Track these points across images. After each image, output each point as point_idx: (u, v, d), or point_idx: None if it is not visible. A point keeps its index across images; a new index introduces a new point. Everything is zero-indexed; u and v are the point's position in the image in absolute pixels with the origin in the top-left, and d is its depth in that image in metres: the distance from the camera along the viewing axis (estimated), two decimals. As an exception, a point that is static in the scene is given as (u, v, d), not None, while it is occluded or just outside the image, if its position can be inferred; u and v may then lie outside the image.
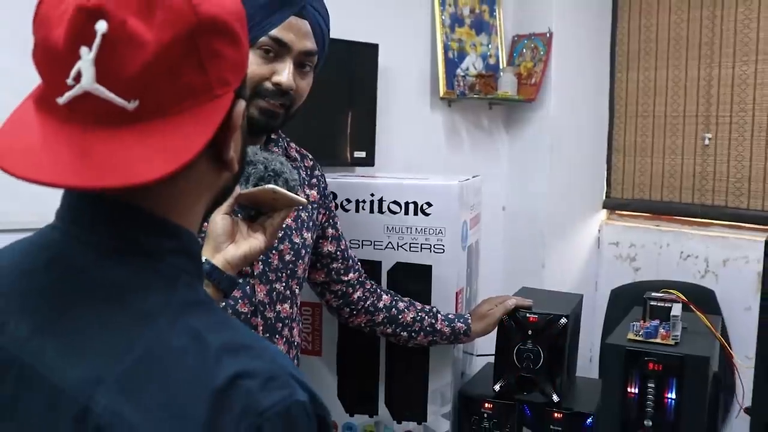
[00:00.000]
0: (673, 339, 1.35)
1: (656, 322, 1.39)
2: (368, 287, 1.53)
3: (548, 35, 3.09)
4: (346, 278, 1.49)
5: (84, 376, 0.57)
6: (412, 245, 1.63)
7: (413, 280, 1.63)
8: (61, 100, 0.57)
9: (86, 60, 0.56)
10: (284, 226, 1.31)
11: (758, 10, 2.77)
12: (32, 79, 0.64)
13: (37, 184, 0.56)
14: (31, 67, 0.61)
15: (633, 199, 3.29)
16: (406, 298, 1.56)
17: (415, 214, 1.62)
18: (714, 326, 1.47)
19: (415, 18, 2.95)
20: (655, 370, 1.31)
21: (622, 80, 3.29)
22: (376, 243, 1.66)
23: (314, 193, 1.43)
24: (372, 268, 1.65)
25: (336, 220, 1.50)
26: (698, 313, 1.46)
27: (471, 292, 1.79)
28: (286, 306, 1.32)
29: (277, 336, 1.30)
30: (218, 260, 1.01)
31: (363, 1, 2.77)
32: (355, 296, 1.51)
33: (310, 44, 1.26)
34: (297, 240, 1.34)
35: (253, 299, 1.26)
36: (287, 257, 1.31)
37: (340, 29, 2.65)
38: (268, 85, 1.23)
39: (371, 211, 1.66)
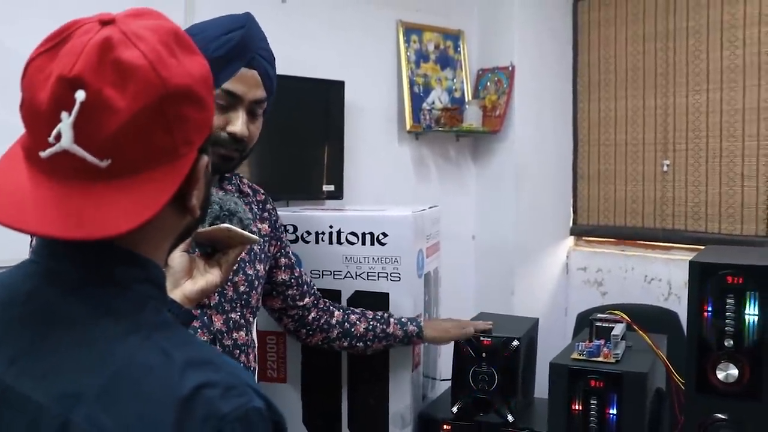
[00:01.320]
0: (614, 357, 1.42)
1: (600, 342, 1.46)
2: (321, 306, 1.61)
3: (510, 68, 3.20)
4: (301, 303, 1.57)
5: (64, 392, 0.64)
6: (369, 274, 1.70)
7: (372, 307, 1.69)
8: (44, 155, 0.65)
9: (66, 123, 0.63)
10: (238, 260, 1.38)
11: (707, 41, 2.90)
12: None
13: (21, 232, 0.64)
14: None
15: (599, 225, 3.39)
16: (358, 309, 1.64)
17: (372, 244, 1.69)
18: (658, 345, 1.54)
19: (380, 55, 3.06)
20: (596, 387, 1.38)
21: (584, 110, 3.40)
22: (335, 273, 1.73)
23: (266, 226, 1.50)
24: (332, 296, 1.71)
25: (288, 249, 1.57)
26: (640, 332, 1.53)
27: (430, 317, 1.86)
28: (242, 333, 1.38)
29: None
30: (176, 295, 1.07)
31: (330, 39, 2.88)
32: (310, 317, 1.59)
33: (260, 93, 1.34)
34: (250, 272, 1.41)
35: (212, 328, 1.32)
36: (241, 288, 1.38)
37: (308, 67, 2.76)
38: (223, 134, 1.32)
39: (330, 242, 1.72)
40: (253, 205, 1.48)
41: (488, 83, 3.30)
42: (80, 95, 0.63)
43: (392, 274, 1.68)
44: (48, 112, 0.64)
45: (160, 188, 0.68)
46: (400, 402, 1.69)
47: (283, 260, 1.54)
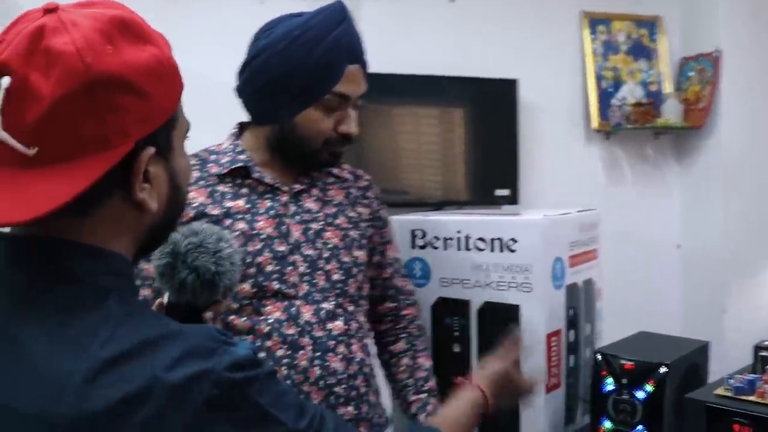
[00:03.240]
0: (775, 396, 1.13)
1: (758, 377, 1.17)
2: (399, 325, 1.51)
3: (716, 55, 2.80)
4: (379, 307, 1.50)
5: (38, 393, 0.62)
6: (499, 284, 1.55)
7: (501, 320, 1.54)
8: None
9: None
10: (331, 245, 1.34)
11: None
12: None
13: None
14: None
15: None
16: (419, 361, 1.49)
17: (501, 251, 1.54)
18: None
19: (559, 49, 2.84)
20: (745, 432, 1.10)
21: (814, 98, 2.87)
22: (464, 281, 1.60)
23: (366, 210, 1.44)
24: (461, 307, 1.59)
25: (385, 247, 1.49)
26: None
27: (581, 334, 1.64)
28: (339, 323, 1.31)
29: (330, 353, 1.30)
30: None
31: (502, 37, 2.74)
32: (381, 327, 1.52)
33: (364, 86, 1.32)
34: (346, 259, 1.35)
35: (299, 320, 1.28)
36: (335, 276, 1.33)
37: (479, 67, 2.65)
38: (334, 135, 1.30)
39: (458, 248, 1.60)
40: (352, 190, 1.44)
41: (691, 73, 2.92)
42: (5, 81, 0.62)
43: (523, 285, 1.51)
44: None
45: (79, 177, 0.64)
46: (532, 428, 1.51)
47: (376, 257, 1.47)
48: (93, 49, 0.64)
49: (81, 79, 0.63)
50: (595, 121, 2.84)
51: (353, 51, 1.29)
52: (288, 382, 1.27)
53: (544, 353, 1.49)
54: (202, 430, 0.63)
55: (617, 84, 2.89)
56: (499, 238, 1.54)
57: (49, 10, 0.65)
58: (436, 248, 1.64)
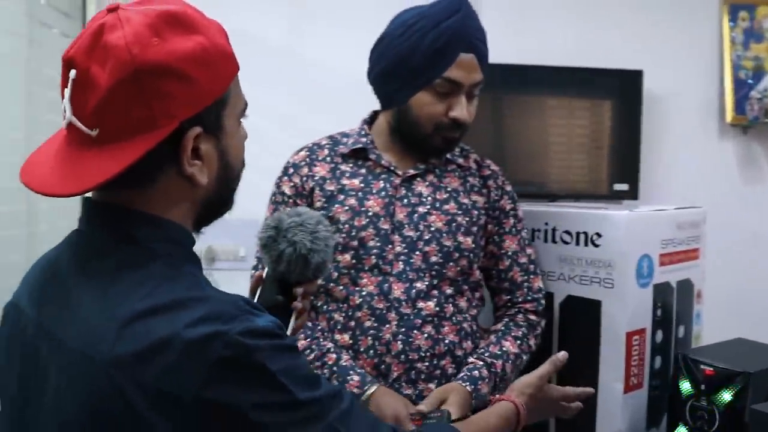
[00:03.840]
0: None
1: None
2: (509, 313, 1.50)
3: None
4: (496, 298, 1.53)
5: (88, 335, 0.73)
6: (582, 278, 1.53)
7: (583, 315, 1.52)
8: (63, 125, 0.78)
9: (66, 98, 0.75)
10: (433, 228, 1.39)
11: None
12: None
13: (32, 191, 0.77)
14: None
15: None
16: (503, 341, 1.46)
17: (586, 244, 1.52)
18: None
19: (693, 38, 2.68)
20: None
21: None
22: (549, 273, 1.59)
23: (481, 199, 1.47)
24: (546, 299, 1.59)
25: (504, 238, 1.50)
26: None
27: (672, 336, 1.58)
28: (430, 304, 1.37)
29: (416, 331, 1.36)
30: None
31: (628, 25, 2.63)
32: (497, 315, 1.54)
33: (478, 76, 1.36)
34: (448, 243, 1.39)
35: (389, 296, 1.35)
36: (433, 258, 1.38)
37: (600, 57, 2.56)
38: (445, 119, 1.36)
39: (545, 240, 1.60)
40: (470, 178, 1.49)
41: None
42: (72, 74, 0.73)
43: (605, 280, 1.49)
44: (62, 90, 0.76)
45: (131, 152, 0.73)
46: (608, 428, 1.48)
47: (490, 247, 1.49)
48: (139, 42, 0.73)
49: (128, 68, 0.72)
50: (729, 115, 2.66)
51: (467, 40, 1.34)
52: (371, 351, 1.35)
53: (624, 352, 1.46)
54: (211, 386, 0.69)
55: (758, 75, 2.68)
56: (584, 232, 1.52)
57: (111, 10, 0.75)
58: (524, 239, 1.64)
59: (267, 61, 2.50)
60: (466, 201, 1.45)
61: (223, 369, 0.70)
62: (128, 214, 0.79)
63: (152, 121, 0.74)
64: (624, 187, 2.61)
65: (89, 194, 0.81)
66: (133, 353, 0.69)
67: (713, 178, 2.73)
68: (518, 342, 1.47)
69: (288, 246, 1.01)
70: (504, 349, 1.44)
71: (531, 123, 2.57)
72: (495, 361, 1.41)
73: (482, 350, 1.43)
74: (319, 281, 1.33)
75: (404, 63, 1.34)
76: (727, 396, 1.29)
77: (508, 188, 1.52)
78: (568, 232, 1.55)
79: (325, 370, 1.35)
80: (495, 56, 2.50)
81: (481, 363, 1.40)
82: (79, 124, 0.74)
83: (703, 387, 1.33)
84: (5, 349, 0.84)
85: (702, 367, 1.34)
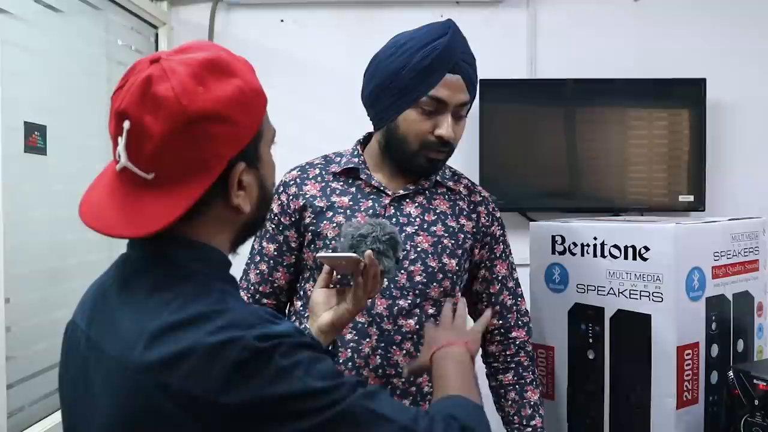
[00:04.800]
0: None
1: None
2: (509, 352, 1.55)
3: None
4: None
5: (122, 345, 0.82)
6: (632, 292, 1.52)
7: (633, 329, 1.52)
8: (117, 168, 0.86)
9: (120, 146, 0.83)
10: (420, 249, 1.43)
11: None
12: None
13: (94, 230, 0.86)
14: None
15: None
16: (526, 395, 1.53)
17: (634, 258, 1.51)
18: None
19: (755, 45, 2.62)
20: None
21: None
22: (599, 288, 1.59)
23: (470, 224, 1.50)
24: (596, 314, 1.59)
25: (495, 263, 1.53)
26: None
27: (730, 350, 1.56)
28: (411, 322, 1.41)
29: (394, 347, 1.40)
30: (313, 328, 1.18)
31: (690, 34, 2.60)
32: (490, 349, 1.57)
33: (464, 96, 1.39)
34: (432, 264, 1.42)
35: (372, 311, 1.39)
36: (417, 278, 1.41)
37: (663, 67, 2.54)
38: (431, 138, 1.40)
39: (594, 255, 1.60)
40: (460, 203, 1.51)
41: None
42: (126, 124, 0.81)
43: (654, 294, 1.48)
44: (114, 137, 0.84)
45: (188, 193, 0.81)
46: (662, 441, 1.47)
47: (482, 272, 1.52)
48: (187, 93, 0.80)
49: (180, 118, 0.79)
50: (802, 121, 2.58)
51: (453, 61, 1.38)
52: (350, 364, 1.39)
53: (675, 366, 1.45)
54: (231, 388, 0.75)
55: (833, 79, 2.59)
56: (632, 246, 1.52)
57: (154, 61, 0.83)
58: (574, 254, 1.65)
59: (329, 85, 2.61)
60: (453, 224, 1.48)
61: (241, 371, 0.75)
62: (168, 238, 0.86)
63: (204, 163, 0.82)
64: (690, 198, 2.56)
65: None
66: (159, 360, 0.77)
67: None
68: (534, 386, 1.55)
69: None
70: (531, 402, 1.53)
71: (591, 136, 2.57)
72: (533, 422, 1.51)
73: (515, 418, 1.52)
74: (310, 292, 1.41)
75: (393, 81, 1.39)
76: (780, 411, 1.27)
77: (498, 214, 1.56)
78: (616, 246, 1.55)
79: None
80: (555, 72, 2.53)
81: (530, 429, 1.50)
82: (135, 170, 0.82)
83: (756, 402, 1.31)
84: (65, 363, 0.94)
85: (756, 382, 1.32)
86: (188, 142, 0.80)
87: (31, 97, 1.79)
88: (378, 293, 1.34)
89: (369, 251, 1.15)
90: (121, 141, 0.82)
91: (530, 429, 1.52)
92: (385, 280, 1.38)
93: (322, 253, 1.22)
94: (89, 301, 0.94)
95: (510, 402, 1.54)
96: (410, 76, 1.37)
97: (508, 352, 1.56)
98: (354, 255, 1.15)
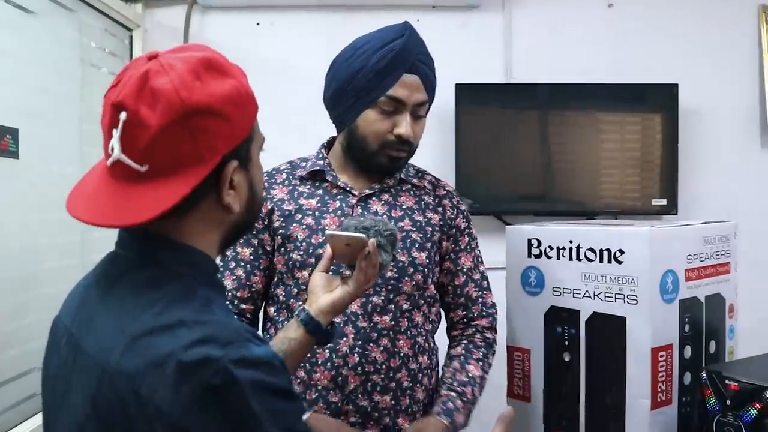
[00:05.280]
0: None
1: None
2: (466, 333, 1.55)
3: None
4: (451, 314, 1.57)
5: (103, 346, 0.81)
6: (607, 294, 1.54)
7: (608, 331, 1.53)
8: (108, 162, 0.85)
9: (115, 138, 0.83)
10: None
11: None
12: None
13: (81, 222, 0.85)
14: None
15: None
16: (468, 367, 1.52)
17: (609, 261, 1.53)
18: None
19: (729, 50, 2.68)
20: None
21: None
22: (575, 291, 1.61)
23: (436, 217, 1.52)
24: (571, 316, 1.60)
25: (460, 255, 1.55)
26: None
27: (702, 352, 1.58)
28: (386, 318, 1.42)
29: (371, 344, 1.42)
30: (312, 309, 1.21)
31: (662, 39, 2.64)
32: (452, 334, 1.59)
33: (421, 96, 1.42)
34: (402, 258, 1.44)
35: (346, 310, 1.40)
36: (388, 274, 1.43)
37: (635, 72, 2.57)
38: (390, 137, 1.43)
39: (570, 258, 1.62)
40: (425, 197, 1.54)
41: None
42: (122, 116, 0.81)
43: (629, 297, 1.50)
44: (107, 130, 0.84)
45: (181, 186, 0.81)
46: (636, 442, 1.49)
47: (447, 264, 1.54)
48: (185, 86, 0.81)
49: (178, 110, 0.80)
50: (772, 124, 2.63)
51: (410, 61, 1.41)
52: (328, 364, 1.41)
53: (649, 367, 1.47)
54: (195, 411, 0.74)
55: (800, 83, 2.65)
56: (607, 249, 1.54)
57: (152, 57, 0.84)
58: (549, 257, 1.66)
59: (306, 89, 2.60)
60: (420, 218, 1.50)
61: (208, 396, 0.74)
62: (157, 240, 0.86)
63: (199, 157, 0.82)
64: (662, 202, 2.60)
65: None
66: (135, 367, 0.76)
67: (757, 191, 2.69)
68: (481, 364, 1.52)
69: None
70: (470, 374, 1.49)
71: (566, 140, 2.60)
72: (465, 388, 1.46)
73: (449, 380, 1.48)
74: (281, 297, 1.48)
75: (351, 83, 1.42)
76: (752, 411, 1.29)
77: (463, 207, 1.58)
78: (591, 250, 1.57)
79: None
80: (531, 76, 2.55)
81: (454, 394, 1.44)
82: (129, 161, 0.82)
83: (728, 402, 1.33)
84: (48, 357, 0.94)
85: (727, 382, 1.34)
86: (184, 134, 0.81)
87: (3, 99, 1.77)
88: (373, 284, 1.35)
89: (373, 240, 1.20)
90: (116, 133, 0.82)
91: (457, 392, 1.47)
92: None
93: (331, 230, 1.24)
94: (73, 297, 0.94)
95: (450, 370, 1.52)
96: (368, 77, 1.40)
97: (465, 333, 1.57)
98: (362, 236, 1.20)
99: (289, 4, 2.69)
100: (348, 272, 1.25)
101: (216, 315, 0.83)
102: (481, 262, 1.60)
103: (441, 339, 1.62)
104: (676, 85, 2.55)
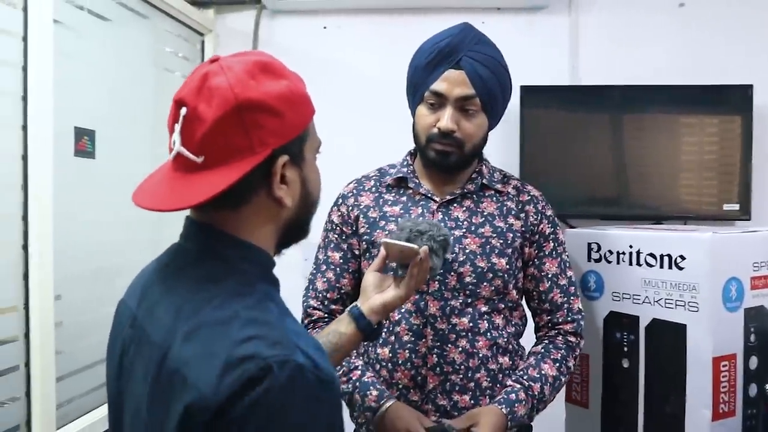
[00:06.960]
0: None
1: None
2: (550, 334, 1.53)
3: None
4: (536, 318, 1.56)
5: (167, 332, 0.86)
6: (667, 301, 1.51)
7: (668, 339, 1.51)
8: (170, 156, 0.91)
9: (176, 132, 0.89)
10: (468, 251, 1.46)
11: None
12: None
13: (141, 208, 0.91)
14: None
15: None
16: (542, 364, 1.48)
17: (670, 267, 1.51)
18: None
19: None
20: None
21: None
22: (634, 296, 1.59)
23: (518, 223, 1.51)
24: (631, 322, 1.59)
25: (544, 261, 1.52)
26: None
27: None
28: (464, 320, 1.44)
29: (450, 345, 1.44)
30: (365, 307, 1.26)
31: (737, 40, 2.55)
32: (537, 335, 1.57)
33: (464, 90, 1.42)
34: (481, 264, 1.45)
35: (425, 312, 1.44)
36: (467, 279, 1.45)
37: (709, 73, 2.49)
38: (434, 130, 1.45)
39: (630, 263, 1.60)
40: (508, 203, 1.53)
41: None
42: (183, 111, 0.87)
43: (690, 304, 1.47)
44: (171, 126, 0.90)
45: (232, 173, 0.86)
46: (696, 450, 1.45)
47: (531, 270, 1.53)
48: (240, 83, 0.86)
49: (231, 104, 0.85)
50: None
51: (456, 58, 1.43)
52: (408, 364, 1.45)
53: (710, 377, 1.43)
54: (236, 402, 0.76)
55: None
56: (668, 254, 1.51)
57: (214, 60, 0.90)
58: (609, 262, 1.65)
59: (371, 91, 2.64)
60: (501, 224, 1.50)
61: (249, 388, 0.76)
62: (218, 233, 0.91)
63: (250, 148, 0.87)
64: (734, 207, 2.51)
65: (190, 214, 0.95)
66: (189, 355, 0.81)
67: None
68: (557, 364, 1.49)
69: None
70: (543, 372, 1.47)
71: (643, 143, 2.54)
72: (533, 383, 1.44)
73: (521, 372, 1.47)
74: None
75: (410, 81, 1.50)
76: None
77: (549, 213, 1.55)
78: (652, 255, 1.54)
79: (349, 385, 1.44)
80: (599, 79, 2.51)
81: (519, 386, 1.43)
82: (187, 153, 0.87)
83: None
84: (113, 339, 1.00)
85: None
86: (237, 127, 0.85)
87: (82, 103, 1.86)
88: (424, 286, 1.40)
89: (425, 247, 1.24)
90: (177, 127, 0.88)
91: (523, 385, 1.44)
92: (436, 282, 1.45)
93: (386, 238, 1.27)
94: (139, 283, 1.00)
95: (525, 364, 1.50)
96: (418, 73, 1.46)
97: (548, 335, 1.54)
98: (414, 246, 1.24)
99: (355, 7, 2.73)
100: (400, 272, 1.28)
101: (271, 313, 0.86)
102: (569, 267, 1.55)
103: (529, 342, 1.60)
104: (750, 86, 2.46)
